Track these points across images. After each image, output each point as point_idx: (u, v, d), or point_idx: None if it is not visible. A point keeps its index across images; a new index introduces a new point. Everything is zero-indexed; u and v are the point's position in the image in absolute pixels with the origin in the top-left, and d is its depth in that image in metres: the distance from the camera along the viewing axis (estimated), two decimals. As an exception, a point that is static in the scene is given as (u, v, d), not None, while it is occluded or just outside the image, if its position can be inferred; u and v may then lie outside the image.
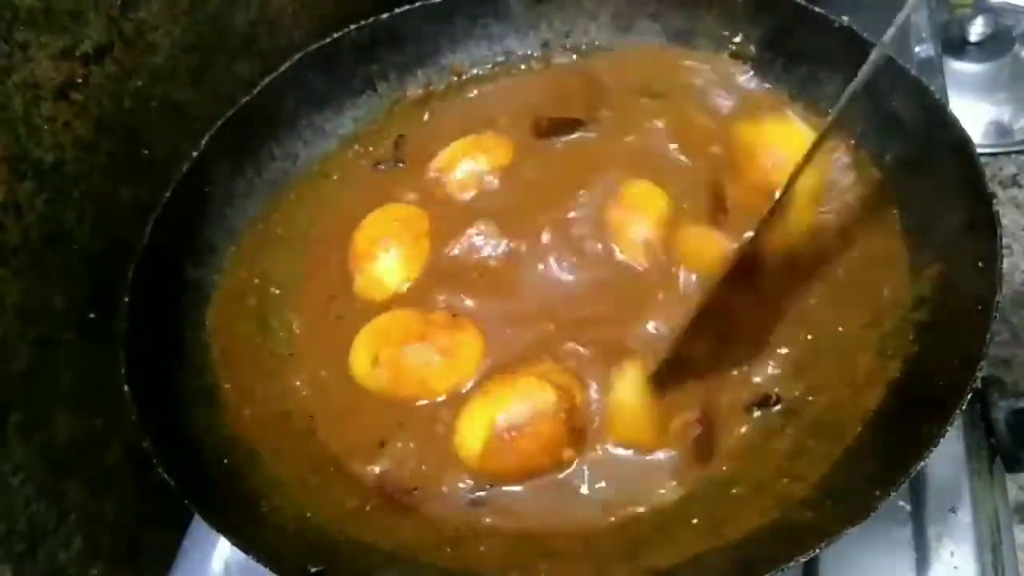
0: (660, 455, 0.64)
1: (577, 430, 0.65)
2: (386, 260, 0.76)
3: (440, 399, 0.69)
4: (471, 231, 0.75)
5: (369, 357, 0.71)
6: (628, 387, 0.65)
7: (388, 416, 0.69)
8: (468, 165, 0.81)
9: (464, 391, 0.68)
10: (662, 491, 0.63)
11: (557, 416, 0.64)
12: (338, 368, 0.72)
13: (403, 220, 0.79)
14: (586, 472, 0.64)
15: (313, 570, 0.56)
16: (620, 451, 0.64)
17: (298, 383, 0.73)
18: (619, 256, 0.73)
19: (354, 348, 0.72)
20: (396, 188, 0.83)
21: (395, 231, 0.77)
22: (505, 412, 0.64)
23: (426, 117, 0.91)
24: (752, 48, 0.85)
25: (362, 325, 0.73)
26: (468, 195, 0.80)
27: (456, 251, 0.76)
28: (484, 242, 0.75)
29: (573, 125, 0.84)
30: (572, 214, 0.75)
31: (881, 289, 0.69)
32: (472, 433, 0.65)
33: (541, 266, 0.73)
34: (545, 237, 0.74)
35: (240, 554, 0.56)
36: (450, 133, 0.86)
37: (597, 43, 0.92)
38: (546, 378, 0.65)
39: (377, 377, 0.70)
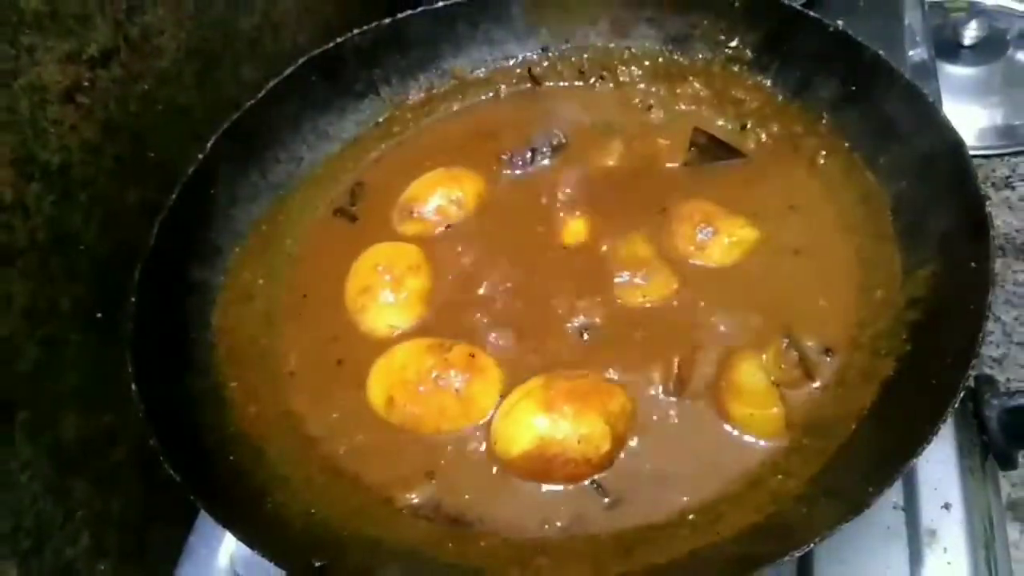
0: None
1: (613, 458, 0.65)
2: (382, 304, 0.75)
3: (465, 429, 0.68)
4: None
5: (384, 397, 0.70)
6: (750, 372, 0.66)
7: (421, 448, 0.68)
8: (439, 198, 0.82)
9: (487, 418, 0.68)
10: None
11: (600, 456, 0.64)
12: (354, 404, 0.71)
13: (392, 259, 0.78)
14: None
15: (317, 565, 0.57)
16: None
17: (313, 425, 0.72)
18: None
19: (369, 385, 0.71)
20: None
21: (385, 277, 0.76)
22: (554, 438, 0.63)
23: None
24: (748, 52, 0.86)
25: (366, 364, 0.72)
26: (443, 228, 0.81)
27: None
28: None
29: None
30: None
31: (875, 289, 0.70)
32: (515, 438, 0.64)
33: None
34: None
35: (245, 550, 0.57)
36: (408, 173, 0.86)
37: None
38: (603, 409, 0.64)
39: (395, 415, 0.69)
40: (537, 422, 0.64)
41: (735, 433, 0.65)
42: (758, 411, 0.65)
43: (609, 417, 0.64)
